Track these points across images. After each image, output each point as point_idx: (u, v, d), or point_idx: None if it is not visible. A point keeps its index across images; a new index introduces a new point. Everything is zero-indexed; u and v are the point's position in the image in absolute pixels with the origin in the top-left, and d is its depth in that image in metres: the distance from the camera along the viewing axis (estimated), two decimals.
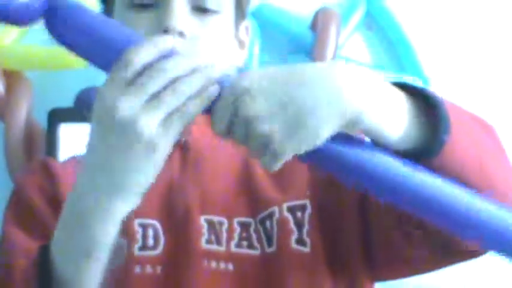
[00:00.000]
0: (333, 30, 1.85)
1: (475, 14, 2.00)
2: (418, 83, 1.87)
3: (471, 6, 1.99)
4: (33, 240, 1.01)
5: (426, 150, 0.78)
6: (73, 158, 1.13)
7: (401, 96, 0.77)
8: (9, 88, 1.80)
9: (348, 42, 1.92)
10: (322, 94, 0.74)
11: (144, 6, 0.98)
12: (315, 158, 0.75)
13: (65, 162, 1.13)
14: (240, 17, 1.05)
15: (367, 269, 0.98)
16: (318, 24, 1.86)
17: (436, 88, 1.88)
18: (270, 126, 0.74)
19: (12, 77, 1.80)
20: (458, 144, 0.78)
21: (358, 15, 1.93)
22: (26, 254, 0.98)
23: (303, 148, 0.75)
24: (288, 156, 0.75)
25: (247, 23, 1.09)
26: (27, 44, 1.86)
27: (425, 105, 0.78)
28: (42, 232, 1.00)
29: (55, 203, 1.01)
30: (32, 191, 1.10)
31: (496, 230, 0.76)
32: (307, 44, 1.87)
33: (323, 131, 0.75)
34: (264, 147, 0.75)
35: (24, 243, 1.01)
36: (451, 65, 1.97)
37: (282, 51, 1.92)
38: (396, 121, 0.76)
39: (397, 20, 1.93)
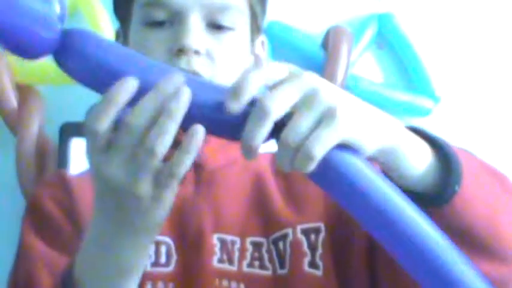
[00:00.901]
0: (344, 49, 1.85)
1: (487, 34, 2.00)
2: (429, 102, 1.92)
3: (483, 26, 2.00)
4: (53, 250, 1.03)
5: (437, 197, 0.78)
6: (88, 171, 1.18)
7: (423, 142, 0.77)
8: (21, 102, 1.81)
9: (359, 60, 1.93)
10: (373, 114, 0.73)
11: (159, 24, 0.98)
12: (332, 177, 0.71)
13: (81, 176, 1.12)
14: (256, 32, 1.06)
15: None
16: (329, 42, 1.87)
17: (447, 108, 1.95)
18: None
19: (24, 91, 1.82)
20: (470, 196, 0.78)
21: (369, 34, 1.94)
22: (48, 265, 1.01)
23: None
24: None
25: (263, 38, 1.09)
26: (37, 60, 1.96)
27: (439, 153, 0.78)
28: (62, 242, 1.02)
29: (72, 215, 1.03)
30: (48, 202, 1.10)
31: None
32: (318, 62, 1.87)
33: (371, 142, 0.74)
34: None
35: (45, 253, 1.03)
36: (461, 84, 1.97)
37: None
38: (419, 163, 0.76)
39: (408, 39, 1.94)
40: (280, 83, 0.69)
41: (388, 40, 1.96)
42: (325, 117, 0.68)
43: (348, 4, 1.99)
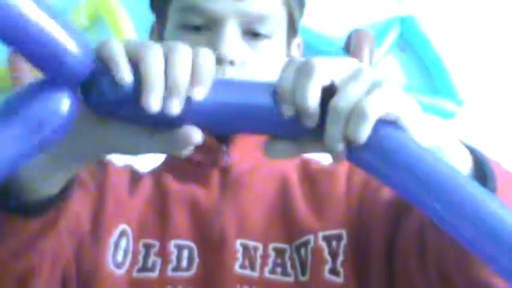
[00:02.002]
0: (366, 52, 1.88)
1: (510, 37, 2.02)
2: (452, 105, 1.93)
3: (506, 29, 2.00)
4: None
5: None
6: (127, 167, 1.11)
7: (464, 148, 0.74)
8: None
9: (382, 63, 1.95)
10: (422, 113, 0.68)
11: (195, 28, 0.96)
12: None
13: (121, 168, 1.09)
14: (292, 35, 1.02)
15: None
16: (351, 45, 1.90)
17: (470, 110, 1.97)
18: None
19: None
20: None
21: (391, 37, 1.96)
22: None
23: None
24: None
25: (299, 39, 1.05)
26: None
27: (476, 162, 0.75)
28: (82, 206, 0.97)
29: (100, 196, 0.99)
30: (87, 175, 1.05)
31: None
32: None
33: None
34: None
35: None
36: (485, 87, 1.99)
37: None
38: (460, 167, 0.73)
39: (431, 42, 1.96)
40: (347, 80, 0.66)
41: (411, 43, 1.98)
42: (377, 86, 0.65)
43: (370, 7, 2.00)
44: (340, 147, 0.63)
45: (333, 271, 0.94)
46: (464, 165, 0.73)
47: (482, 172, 0.74)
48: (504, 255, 0.61)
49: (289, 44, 1.01)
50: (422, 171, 0.63)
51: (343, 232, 0.95)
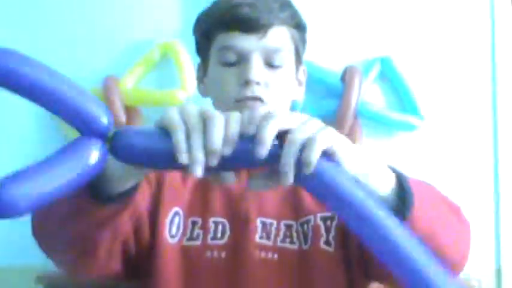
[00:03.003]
0: (357, 82, 2.01)
1: (459, 73, 2.13)
2: (416, 120, 2.06)
3: (455, 64, 2.12)
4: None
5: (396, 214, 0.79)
6: None
7: (390, 174, 0.84)
8: (128, 118, 1.98)
9: (368, 90, 2.08)
10: (356, 148, 0.80)
11: (231, 64, 1.10)
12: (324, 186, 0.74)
13: None
14: (298, 64, 1.16)
15: (364, 272, 1.05)
16: (346, 77, 2.02)
17: (428, 124, 2.08)
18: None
19: (130, 111, 2.01)
20: (418, 217, 0.84)
21: (374, 71, 2.09)
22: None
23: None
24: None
25: (304, 67, 1.18)
26: (141, 87, 2.05)
27: (399, 185, 0.84)
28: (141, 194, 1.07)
29: (158, 186, 1.13)
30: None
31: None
32: (338, 91, 2.02)
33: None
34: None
35: None
36: (440, 108, 2.11)
37: (319, 97, 2.04)
38: (383, 188, 0.82)
39: (402, 75, 2.09)
40: (294, 129, 0.72)
41: (387, 76, 2.10)
42: (322, 128, 0.74)
43: (359, 49, 2.12)
44: (291, 175, 0.69)
45: (327, 242, 1.05)
46: (387, 185, 0.81)
47: (403, 189, 0.82)
48: (398, 268, 0.69)
49: (297, 70, 1.14)
50: (344, 197, 0.70)
51: (335, 214, 1.08)
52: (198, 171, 0.70)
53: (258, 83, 1.07)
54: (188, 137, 0.70)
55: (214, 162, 0.71)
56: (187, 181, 1.12)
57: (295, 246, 1.04)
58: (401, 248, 0.71)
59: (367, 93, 2.10)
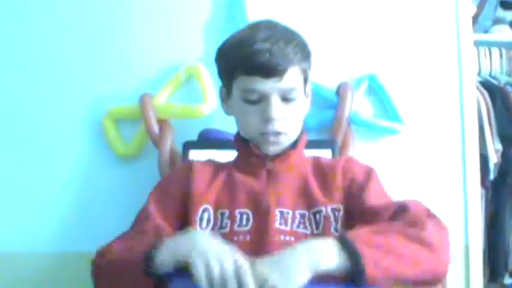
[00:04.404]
0: (349, 95, 2.10)
1: (431, 88, 2.24)
2: (398, 126, 2.14)
3: (429, 80, 2.23)
4: (161, 219, 1.25)
5: (354, 279, 0.97)
6: (210, 160, 1.41)
7: (335, 251, 0.96)
8: (161, 130, 2.06)
9: (358, 102, 2.17)
10: (299, 261, 0.96)
11: (252, 102, 1.21)
12: None
13: (204, 161, 1.39)
14: (306, 84, 1.32)
15: None
16: (340, 91, 2.12)
17: (409, 129, 2.18)
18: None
19: (162, 123, 2.07)
20: (374, 273, 0.97)
21: (363, 86, 2.18)
22: (154, 227, 1.20)
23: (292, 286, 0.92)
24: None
25: (309, 84, 1.34)
26: (172, 102, 2.12)
27: (348, 255, 0.98)
28: (168, 214, 1.23)
29: (186, 190, 1.25)
30: (173, 182, 1.32)
31: None
32: (334, 103, 2.11)
33: (302, 278, 0.96)
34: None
35: (156, 218, 1.25)
36: (419, 115, 2.22)
37: (318, 108, 2.09)
38: (332, 264, 0.98)
39: (386, 89, 2.19)
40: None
41: (374, 90, 2.19)
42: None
43: (350, 68, 2.20)
44: None
45: (335, 229, 1.18)
46: (337, 258, 0.96)
47: (353, 255, 0.96)
48: None
49: (305, 85, 1.29)
50: None
51: (341, 207, 1.19)
52: None
53: (277, 119, 1.20)
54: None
55: None
56: (216, 180, 1.26)
57: (308, 231, 1.15)
58: None
59: (358, 105, 2.16)
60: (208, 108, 2.04)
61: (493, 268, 2.52)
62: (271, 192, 1.21)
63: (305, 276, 0.94)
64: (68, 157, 2.10)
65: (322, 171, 1.28)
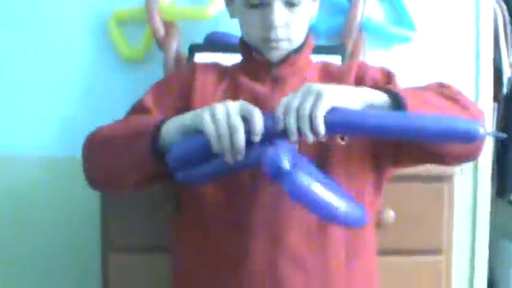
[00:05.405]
0: (361, 0, 2.05)
1: None
2: (411, 33, 2.14)
3: None
4: (156, 110, 1.27)
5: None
6: (215, 63, 1.39)
7: (380, 92, 1.05)
8: (167, 32, 2.06)
9: (370, 7, 2.14)
10: (345, 89, 1.04)
11: (254, 6, 1.19)
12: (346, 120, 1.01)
13: (207, 64, 1.36)
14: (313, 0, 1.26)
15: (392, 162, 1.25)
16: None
17: (421, 37, 2.16)
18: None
19: (168, 25, 2.06)
20: (415, 108, 1.04)
21: None
22: (145, 113, 1.24)
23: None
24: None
25: (317, 2, 1.31)
26: (178, 4, 2.11)
27: (392, 97, 1.05)
28: (165, 110, 1.24)
29: (186, 88, 1.25)
30: (175, 78, 1.33)
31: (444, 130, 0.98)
32: (345, 8, 2.09)
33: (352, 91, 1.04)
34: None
35: (153, 111, 1.27)
36: (431, 22, 2.20)
37: (328, 13, 2.09)
38: (379, 99, 1.04)
39: None
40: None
41: None
42: (318, 98, 0.96)
43: None
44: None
45: (341, 139, 1.19)
46: (383, 100, 1.03)
47: (396, 98, 1.03)
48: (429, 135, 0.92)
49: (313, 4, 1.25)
50: (358, 120, 0.94)
51: None
52: (229, 160, 0.97)
53: (279, 25, 1.17)
54: (219, 138, 0.96)
55: (239, 157, 0.98)
56: (221, 83, 1.26)
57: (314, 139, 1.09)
58: (427, 117, 0.92)
59: (370, 10, 2.13)
60: (215, 9, 2.01)
61: (501, 184, 2.45)
62: (276, 97, 1.18)
63: (355, 93, 1.01)
64: (71, 60, 2.10)
65: (331, 76, 1.28)
